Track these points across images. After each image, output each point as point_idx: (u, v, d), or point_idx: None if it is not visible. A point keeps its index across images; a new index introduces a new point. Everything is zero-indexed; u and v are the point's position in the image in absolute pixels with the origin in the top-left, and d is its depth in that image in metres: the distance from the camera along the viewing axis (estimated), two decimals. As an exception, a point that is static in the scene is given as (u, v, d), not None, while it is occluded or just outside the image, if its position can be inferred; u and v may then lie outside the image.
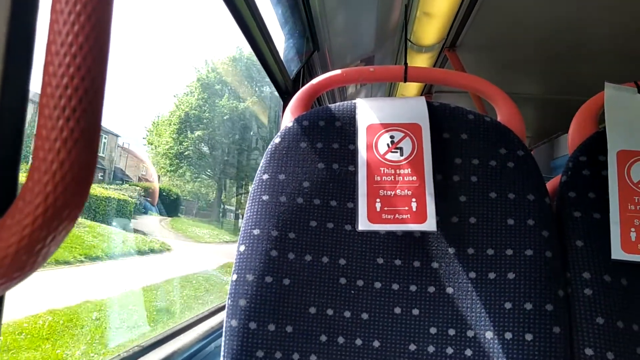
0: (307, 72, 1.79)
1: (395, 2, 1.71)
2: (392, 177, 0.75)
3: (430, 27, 1.77)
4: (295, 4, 1.42)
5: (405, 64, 0.88)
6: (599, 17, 1.64)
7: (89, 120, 0.31)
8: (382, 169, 0.75)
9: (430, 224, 0.71)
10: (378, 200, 0.73)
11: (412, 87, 2.50)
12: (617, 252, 0.71)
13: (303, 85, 1.74)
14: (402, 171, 0.75)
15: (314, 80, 0.87)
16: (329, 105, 0.82)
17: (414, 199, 0.73)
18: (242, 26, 1.21)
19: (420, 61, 2.03)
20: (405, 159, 0.75)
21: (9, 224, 0.31)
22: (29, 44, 0.35)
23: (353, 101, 0.82)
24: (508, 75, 2.37)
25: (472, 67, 2.09)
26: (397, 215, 0.72)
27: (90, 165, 0.32)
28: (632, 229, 0.72)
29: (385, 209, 0.73)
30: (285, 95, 1.61)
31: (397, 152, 0.76)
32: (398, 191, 0.74)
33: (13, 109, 0.34)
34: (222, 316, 1.25)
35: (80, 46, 0.31)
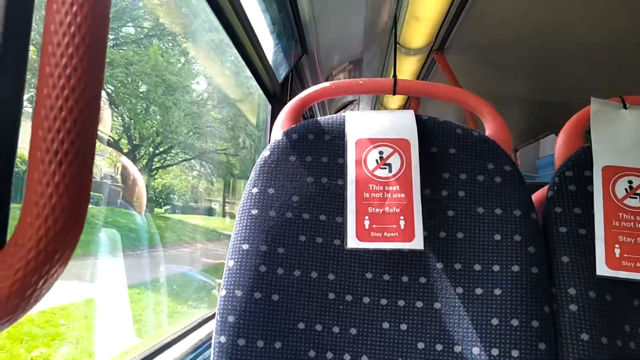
0: (296, 75, 1.79)
1: (383, 5, 1.71)
2: (381, 194, 0.75)
3: (419, 30, 1.78)
4: (285, 9, 1.42)
5: (395, 76, 0.88)
6: (586, 20, 1.66)
7: (81, 164, 0.31)
8: (371, 185, 0.75)
9: (417, 243, 0.72)
10: (367, 217, 0.74)
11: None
12: (602, 268, 0.73)
13: (292, 88, 1.75)
14: (390, 188, 0.75)
15: (303, 93, 0.87)
16: (318, 118, 0.83)
17: (402, 217, 0.73)
18: (229, 31, 1.21)
19: (408, 64, 2.04)
20: (394, 175, 0.76)
21: (0, 268, 0.31)
22: (19, 88, 0.35)
23: (342, 114, 0.82)
24: (495, 76, 2.38)
25: (460, 69, 2.10)
26: (385, 233, 0.73)
27: (81, 209, 0.32)
28: (617, 245, 0.73)
29: (374, 226, 0.73)
30: (274, 99, 1.61)
31: (385, 168, 0.76)
32: (386, 208, 0.74)
33: (2, 150, 0.34)
34: (210, 327, 1.25)
35: (73, 89, 0.31)
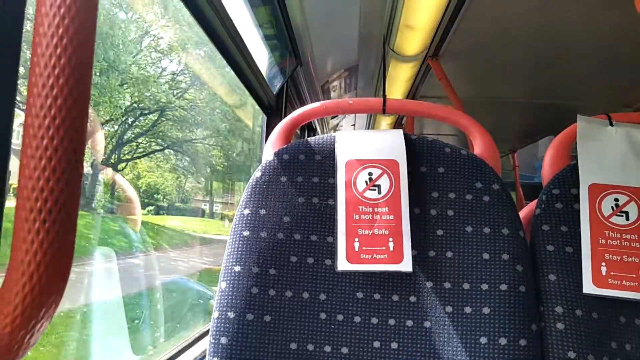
0: (292, 85, 1.80)
1: (377, 15, 1.72)
2: (370, 215, 0.76)
3: (413, 39, 1.79)
4: (277, 21, 1.43)
5: (384, 95, 0.89)
6: (580, 24, 1.67)
7: (65, 220, 0.32)
8: (360, 207, 0.77)
9: (406, 265, 0.73)
10: (356, 239, 0.75)
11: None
12: (589, 287, 0.74)
13: (287, 99, 1.76)
14: (379, 209, 0.76)
15: (294, 113, 0.88)
16: (309, 138, 0.84)
17: (391, 239, 0.74)
18: (220, 47, 1.22)
19: (403, 71, 2.04)
20: (383, 197, 0.77)
21: None
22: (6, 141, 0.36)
23: (332, 134, 0.84)
24: (491, 80, 2.39)
25: (456, 75, 2.11)
26: (374, 255, 0.74)
27: (65, 265, 0.33)
28: (603, 263, 0.74)
29: (364, 248, 0.74)
30: (269, 111, 1.62)
31: (375, 189, 0.77)
32: (376, 230, 0.75)
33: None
34: (204, 345, 1.26)
35: (55, 149, 0.32)
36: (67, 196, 0.32)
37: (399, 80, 2.14)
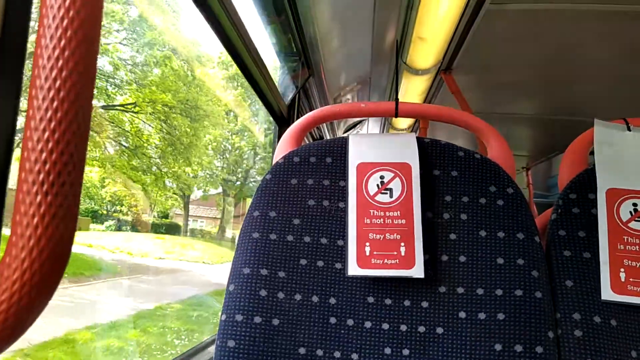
0: (304, 95, 1.80)
1: (389, 26, 1.73)
2: (382, 219, 0.75)
3: (426, 51, 1.79)
4: (290, 31, 1.43)
5: (397, 99, 0.88)
6: (593, 41, 1.66)
7: (67, 195, 0.31)
8: (371, 211, 0.75)
9: (418, 270, 0.71)
10: (367, 244, 0.73)
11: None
12: (607, 293, 0.71)
13: (299, 109, 1.76)
14: (391, 214, 0.75)
15: (305, 117, 0.87)
16: (320, 141, 0.83)
17: (402, 244, 0.73)
18: (234, 55, 1.22)
19: (416, 84, 2.04)
20: (395, 201, 0.75)
21: None
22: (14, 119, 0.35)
23: (344, 136, 0.83)
24: (503, 96, 2.38)
25: (468, 89, 2.11)
26: (386, 260, 0.72)
27: (68, 241, 0.32)
28: (622, 269, 0.72)
29: (375, 253, 0.73)
30: (281, 120, 1.62)
31: (386, 193, 0.76)
32: (387, 235, 0.74)
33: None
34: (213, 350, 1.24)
35: (60, 122, 0.31)
36: (70, 169, 0.31)
37: (411, 93, 2.14)
